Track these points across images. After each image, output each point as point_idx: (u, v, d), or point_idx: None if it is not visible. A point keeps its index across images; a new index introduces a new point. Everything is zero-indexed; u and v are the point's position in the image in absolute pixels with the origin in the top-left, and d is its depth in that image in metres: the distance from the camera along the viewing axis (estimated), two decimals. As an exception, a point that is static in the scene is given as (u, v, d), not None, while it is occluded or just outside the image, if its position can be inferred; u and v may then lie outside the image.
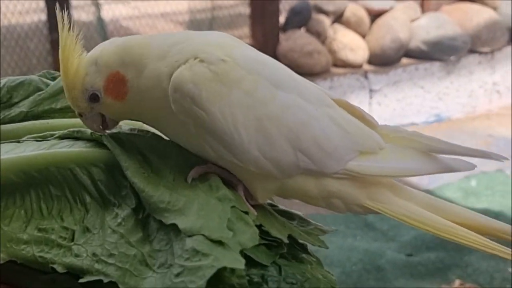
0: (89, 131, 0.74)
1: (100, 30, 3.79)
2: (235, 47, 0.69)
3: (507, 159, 0.75)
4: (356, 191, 0.71)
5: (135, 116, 0.72)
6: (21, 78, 0.86)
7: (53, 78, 0.88)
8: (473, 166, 0.73)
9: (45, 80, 0.86)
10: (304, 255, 0.71)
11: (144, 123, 0.74)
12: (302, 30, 4.05)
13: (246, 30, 4.08)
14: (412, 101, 4.08)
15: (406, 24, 4.12)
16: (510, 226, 0.73)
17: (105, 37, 3.81)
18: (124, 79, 0.67)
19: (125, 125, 0.75)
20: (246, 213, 0.65)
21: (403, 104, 4.05)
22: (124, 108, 0.69)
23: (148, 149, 0.71)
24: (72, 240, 0.69)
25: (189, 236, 0.62)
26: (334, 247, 2.73)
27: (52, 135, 0.77)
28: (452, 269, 2.52)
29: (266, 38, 4.00)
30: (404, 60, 4.11)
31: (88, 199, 0.71)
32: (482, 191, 3.18)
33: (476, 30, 4.17)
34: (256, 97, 0.66)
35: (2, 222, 0.70)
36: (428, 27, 4.14)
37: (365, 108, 3.80)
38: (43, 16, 3.45)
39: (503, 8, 4.30)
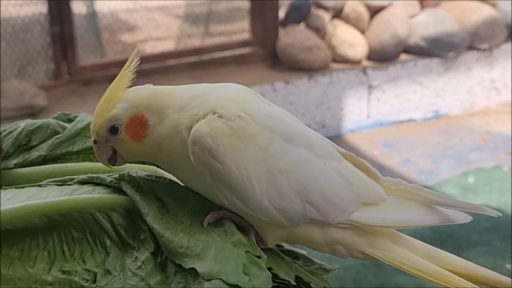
0: (108, 178, 0.78)
1: (93, 24, 3.80)
2: (251, 103, 0.74)
3: (500, 215, 0.80)
4: (358, 239, 0.76)
5: (147, 159, 0.77)
6: (39, 122, 0.90)
7: (68, 120, 0.92)
8: (468, 218, 0.78)
9: (61, 123, 0.90)
10: None
11: (158, 166, 0.79)
12: (302, 25, 4.05)
13: (245, 25, 4.08)
14: (411, 97, 4.09)
15: (405, 21, 4.13)
16: (510, 279, 0.80)
17: (97, 30, 3.82)
18: (146, 124, 0.73)
19: (141, 171, 0.79)
20: (259, 257, 0.70)
21: (401, 100, 4.07)
22: (137, 149, 0.74)
23: (165, 195, 0.75)
24: (94, 282, 0.72)
25: (208, 280, 0.67)
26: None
27: (72, 179, 0.80)
28: (450, 265, 2.54)
29: (265, 33, 4.01)
30: (403, 56, 4.13)
31: (108, 242, 0.75)
32: (480, 188, 3.20)
33: (474, 26, 4.18)
34: (269, 152, 0.71)
35: (26, 264, 0.73)
36: (427, 24, 4.16)
37: (364, 104, 3.81)
38: (44, 9, 3.45)
39: (501, 5, 4.32)
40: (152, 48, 4.00)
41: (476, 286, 0.78)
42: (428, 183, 3.30)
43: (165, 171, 0.79)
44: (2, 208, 0.74)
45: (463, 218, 0.79)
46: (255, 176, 0.70)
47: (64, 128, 0.90)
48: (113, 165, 0.77)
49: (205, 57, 3.93)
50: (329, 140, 0.78)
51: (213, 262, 0.68)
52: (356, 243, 0.76)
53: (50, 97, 3.39)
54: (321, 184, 0.72)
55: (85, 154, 0.88)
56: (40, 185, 0.81)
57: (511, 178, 3.27)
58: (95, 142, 0.75)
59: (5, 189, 0.81)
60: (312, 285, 0.77)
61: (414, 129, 4.02)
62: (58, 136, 0.89)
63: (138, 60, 0.75)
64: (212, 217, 0.73)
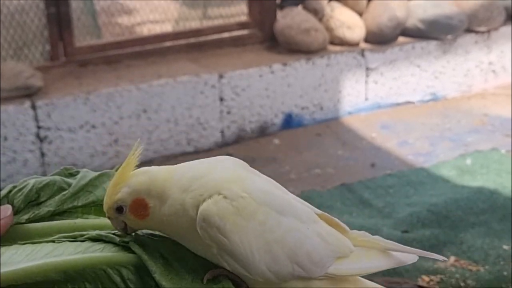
0: (117, 238, 0.89)
1: (90, 5, 3.78)
2: (247, 179, 0.87)
3: (446, 259, 0.96)
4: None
5: (155, 230, 0.90)
6: (46, 179, 1.01)
7: (70, 174, 1.04)
8: (415, 258, 0.94)
9: (65, 179, 1.01)
10: None
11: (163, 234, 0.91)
12: (299, 7, 4.03)
13: (243, 7, 4.06)
14: (408, 80, 4.08)
15: (403, 3, 4.11)
16: None
17: (93, 12, 3.80)
18: (147, 206, 0.85)
19: (146, 230, 0.91)
20: None
21: (399, 82, 4.06)
22: (142, 224, 0.88)
23: (169, 253, 0.87)
24: None
25: None
26: (330, 223, 2.75)
27: (81, 235, 0.91)
28: (447, 246, 2.55)
29: (263, 15, 3.99)
30: (401, 39, 4.11)
31: None
32: (477, 170, 3.20)
33: (473, 9, 4.17)
34: (266, 226, 0.84)
35: None
36: (425, 6, 4.14)
37: (361, 86, 3.82)
38: (40, -10, 3.43)
39: (500, -13, 4.30)
40: (150, 30, 3.98)
41: None
42: (425, 165, 3.30)
43: (171, 238, 0.91)
44: (24, 265, 0.84)
45: (412, 258, 0.95)
46: (255, 248, 0.83)
47: (68, 185, 1.00)
48: (128, 233, 0.90)
49: (203, 39, 3.91)
50: (307, 203, 0.92)
51: None
52: None
53: (47, 78, 3.38)
54: (307, 248, 0.86)
55: (89, 207, 0.99)
56: (53, 241, 0.90)
57: (510, 160, 3.27)
58: (109, 217, 0.89)
59: (21, 244, 0.91)
60: None
61: (411, 111, 4.02)
62: (64, 193, 0.99)
63: (141, 148, 0.88)
64: (211, 275, 0.85)
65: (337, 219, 0.93)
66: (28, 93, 3.20)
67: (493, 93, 4.22)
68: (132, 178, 0.86)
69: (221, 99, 3.59)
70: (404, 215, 2.79)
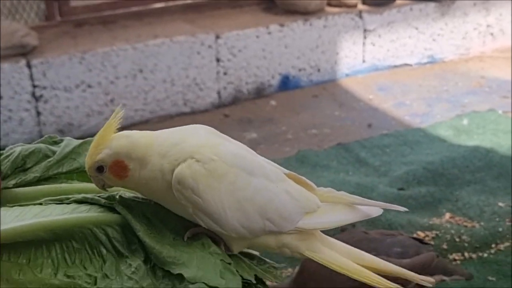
0: (102, 200, 0.95)
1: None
2: (219, 145, 0.93)
3: (407, 210, 1.05)
4: (299, 243, 0.98)
5: (132, 190, 0.96)
6: (32, 147, 1.07)
7: (54, 142, 1.11)
8: (380, 211, 1.02)
9: (50, 147, 1.08)
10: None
11: (141, 195, 0.97)
12: (297, -32, 3.99)
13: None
14: (406, 42, 4.06)
15: (402, -36, 4.07)
16: (415, 275, 1.04)
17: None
18: (126, 168, 0.91)
19: (128, 193, 0.97)
20: (230, 263, 0.90)
21: (397, 44, 4.04)
22: (120, 184, 0.93)
23: (152, 214, 0.93)
24: (95, 284, 0.87)
25: (192, 283, 0.85)
26: (326, 181, 2.75)
27: (67, 198, 0.96)
28: (443, 203, 2.55)
29: (260, -24, 3.95)
30: (399, 1, 4.08)
31: (104, 251, 0.90)
32: (474, 130, 3.19)
33: (472, -29, 4.13)
34: (237, 186, 0.91)
35: (34, 270, 0.87)
36: (424, -33, 4.10)
37: (359, 48, 3.78)
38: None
39: (500, -51, 4.25)
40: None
41: (384, 280, 1.01)
42: (422, 125, 3.30)
43: (149, 199, 0.96)
44: (14, 225, 0.88)
45: (377, 211, 1.02)
46: (227, 206, 0.90)
47: (53, 152, 1.07)
48: (107, 189, 0.95)
49: (200, 0, 3.88)
50: (276, 164, 0.98)
51: (196, 269, 0.87)
52: (297, 246, 0.98)
53: (42, 37, 3.35)
54: (276, 204, 0.93)
55: (72, 174, 1.05)
56: (41, 204, 0.95)
57: (507, 120, 3.26)
58: (90, 175, 0.94)
59: (10, 206, 0.95)
60: (265, 281, 0.98)
61: (409, 73, 4.00)
62: (49, 159, 1.05)
63: (122, 112, 0.92)
64: (191, 233, 0.92)
65: (304, 178, 1.00)
66: (23, 52, 3.17)
67: (491, 56, 4.20)
68: (114, 141, 0.91)
69: (218, 60, 3.56)
70: (400, 173, 2.79)
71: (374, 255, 1.75)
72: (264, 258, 1.02)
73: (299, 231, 0.97)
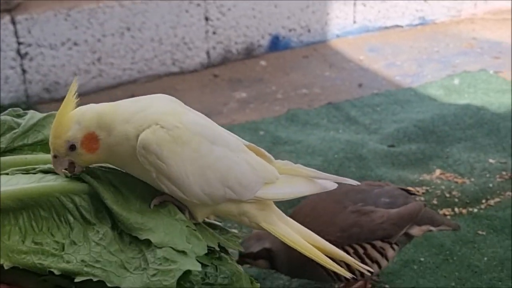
0: None
1: None
2: (183, 113, 0.95)
3: (358, 184, 1.09)
4: (258, 213, 1.01)
5: (102, 162, 0.97)
6: None
7: (18, 115, 1.11)
8: (335, 185, 1.06)
9: (15, 119, 1.08)
10: (227, 256, 0.98)
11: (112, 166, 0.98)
12: None
13: None
14: (397, 3, 4.01)
15: None
16: (341, 252, 1.09)
17: None
18: (97, 138, 0.92)
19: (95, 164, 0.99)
20: (195, 230, 0.93)
21: (388, 5, 3.99)
22: (92, 158, 0.94)
23: (118, 183, 0.95)
24: (63, 250, 0.89)
25: (159, 248, 0.88)
26: (316, 138, 2.73)
27: (34, 169, 0.97)
28: (433, 159, 2.54)
29: None
30: (391, -39, 4.02)
31: (71, 219, 0.92)
32: (465, 89, 3.17)
33: None
34: (199, 153, 0.93)
35: (2, 237, 0.89)
36: None
37: (350, 9, 3.73)
38: None
39: None
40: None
41: (326, 258, 1.06)
42: (413, 85, 3.27)
43: (118, 168, 0.98)
44: None
45: (332, 185, 1.06)
46: (190, 172, 0.92)
47: (18, 124, 1.07)
48: (72, 173, 0.95)
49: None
50: (236, 136, 1.01)
51: (163, 234, 0.89)
52: (256, 216, 1.01)
53: (26, -6, 3.28)
54: (237, 173, 0.96)
55: (36, 145, 1.06)
56: (7, 173, 0.96)
57: (498, 80, 3.24)
58: (54, 156, 0.94)
59: None
60: (228, 249, 1.01)
61: (400, 35, 3.96)
62: (15, 131, 1.05)
63: (77, 86, 0.94)
64: (157, 200, 0.95)
65: (263, 150, 1.04)
66: (7, 8, 3.10)
67: (482, 18, 4.16)
68: (79, 116, 0.92)
69: (207, 19, 3.51)
70: (390, 130, 2.76)
71: (362, 205, 1.75)
72: (227, 228, 1.05)
73: (258, 200, 1.00)
